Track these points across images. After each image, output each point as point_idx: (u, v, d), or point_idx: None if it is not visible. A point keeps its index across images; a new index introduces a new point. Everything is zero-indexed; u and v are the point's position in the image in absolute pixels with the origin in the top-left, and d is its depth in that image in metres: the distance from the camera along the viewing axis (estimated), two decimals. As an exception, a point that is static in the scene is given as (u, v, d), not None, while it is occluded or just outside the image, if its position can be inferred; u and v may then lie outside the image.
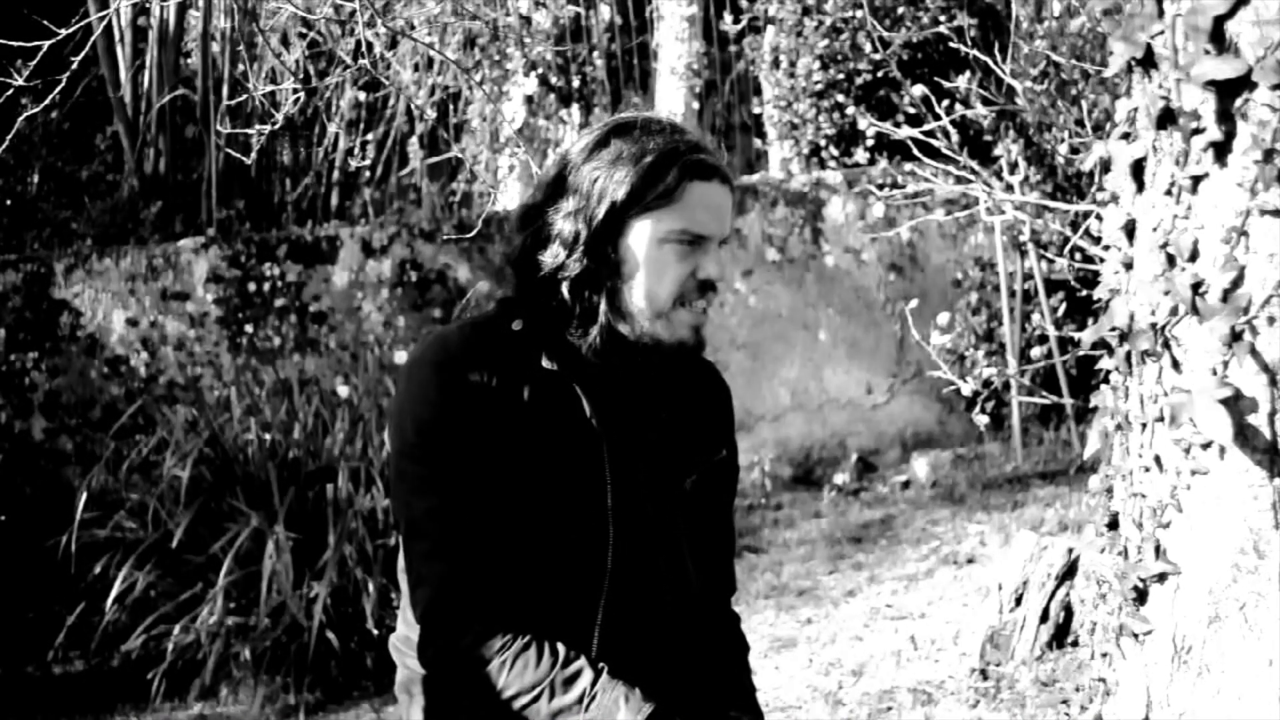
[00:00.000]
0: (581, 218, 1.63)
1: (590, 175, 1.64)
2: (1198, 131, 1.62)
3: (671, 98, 7.12)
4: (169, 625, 4.44)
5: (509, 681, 1.59)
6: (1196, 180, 1.64)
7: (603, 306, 1.64)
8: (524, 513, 1.64)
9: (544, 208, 1.67)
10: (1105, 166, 1.82)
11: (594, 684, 1.60)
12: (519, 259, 1.69)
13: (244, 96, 5.29)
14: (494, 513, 1.62)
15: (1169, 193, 1.67)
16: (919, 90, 4.74)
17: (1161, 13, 1.65)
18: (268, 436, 4.74)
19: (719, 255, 1.67)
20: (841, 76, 6.61)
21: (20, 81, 2.88)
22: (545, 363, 1.66)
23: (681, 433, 1.77)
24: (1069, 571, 3.71)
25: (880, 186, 6.02)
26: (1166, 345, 1.68)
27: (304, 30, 5.96)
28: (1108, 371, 1.83)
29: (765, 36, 6.96)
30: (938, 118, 4.30)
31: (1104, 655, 1.90)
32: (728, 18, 7.07)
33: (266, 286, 5.68)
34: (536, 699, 1.59)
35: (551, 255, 1.65)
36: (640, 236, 1.63)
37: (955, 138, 4.31)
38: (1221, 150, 1.61)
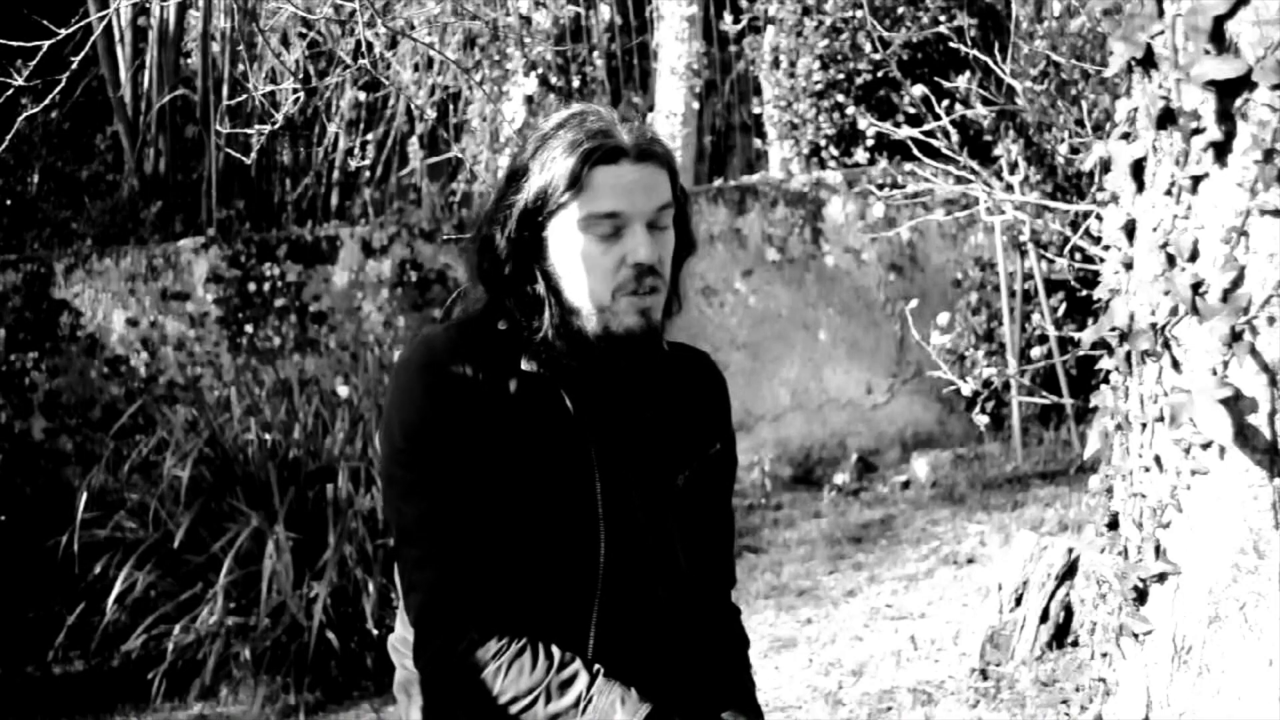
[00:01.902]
0: (509, 230, 1.65)
1: (511, 188, 1.66)
2: (1198, 131, 1.62)
3: (671, 98, 7.12)
4: (169, 625, 4.44)
5: (505, 687, 1.59)
6: (1196, 180, 1.64)
7: (549, 311, 1.64)
8: (515, 515, 1.63)
9: (483, 222, 1.70)
10: (1105, 166, 1.82)
11: (590, 686, 1.59)
12: (475, 274, 1.71)
13: (244, 96, 5.29)
14: (484, 516, 1.62)
15: (1169, 193, 1.67)
16: (919, 90, 4.74)
17: (1161, 13, 1.65)
18: (268, 436, 4.74)
19: (649, 237, 1.63)
20: (841, 76, 6.60)
21: (20, 81, 2.88)
22: (524, 365, 1.66)
23: (672, 429, 1.76)
24: (1069, 571, 3.71)
25: (880, 186, 6.01)
26: (1166, 345, 1.68)
27: (304, 30, 5.96)
28: (1108, 371, 1.83)
29: (765, 36, 6.96)
30: (938, 118, 4.30)
31: (1104, 655, 1.90)
32: (728, 18, 7.07)
33: (266, 286, 5.68)
34: (533, 704, 1.58)
35: (494, 268, 1.67)
36: (559, 233, 1.63)
37: (955, 138, 4.31)
38: (1221, 150, 1.61)
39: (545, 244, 1.64)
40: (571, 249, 1.63)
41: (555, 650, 1.61)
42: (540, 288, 1.64)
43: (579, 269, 1.62)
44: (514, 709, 1.59)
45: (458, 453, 1.61)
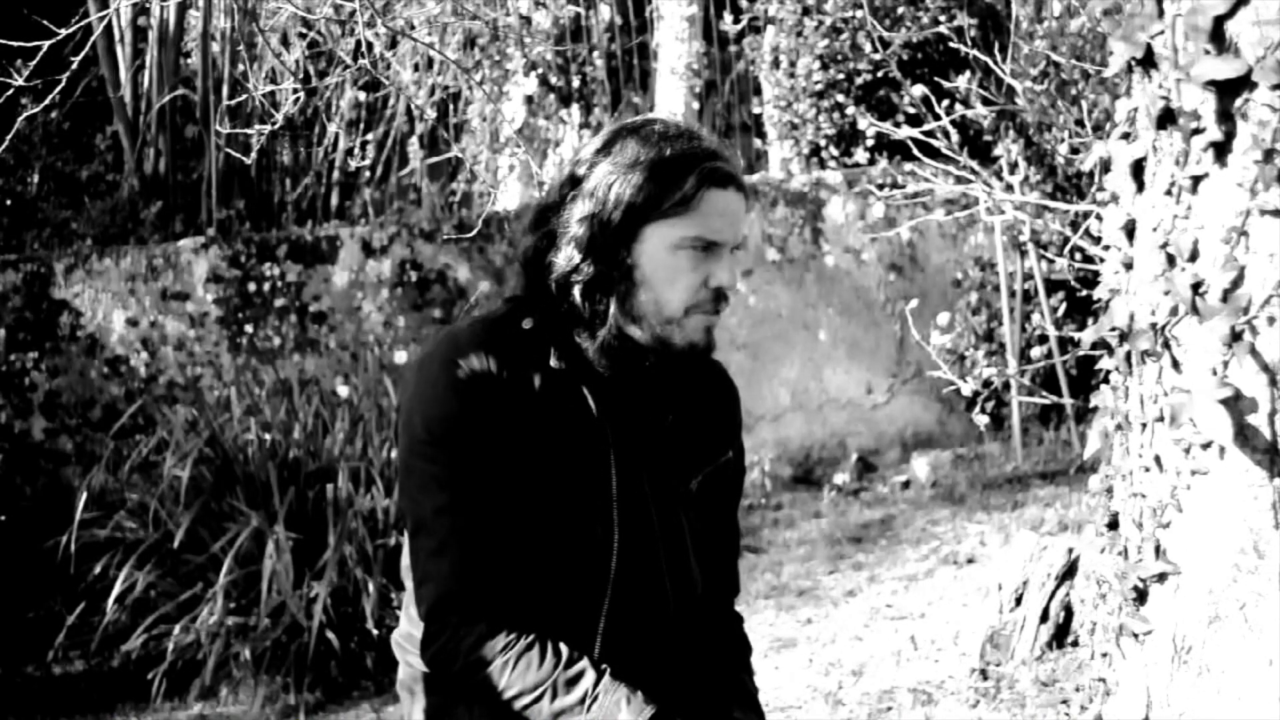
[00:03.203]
0: (596, 221, 1.62)
1: (606, 179, 1.63)
2: (1198, 131, 1.62)
3: (671, 98, 7.11)
4: (169, 625, 4.44)
5: (511, 681, 1.59)
6: (1196, 180, 1.64)
7: (613, 310, 1.64)
8: (530, 512, 1.64)
9: (557, 209, 1.67)
10: (1105, 166, 1.82)
11: (596, 685, 1.60)
12: (530, 260, 1.68)
13: (244, 96, 5.30)
14: (502, 511, 1.63)
15: (1169, 193, 1.67)
16: (919, 90, 4.74)
17: (1161, 13, 1.65)
18: (268, 436, 4.73)
19: (732, 262, 1.66)
20: (841, 76, 6.61)
21: (20, 81, 2.88)
22: (553, 362, 1.66)
23: (688, 434, 1.77)
24: (1069, 571, 3.71)
25: (880, 186, 6.02)
26: (1166, 345, 1.68)
27: (304, 30, 5.96)
28: (1108, 371, 1.83)
29: (765, 36, 6.96)
30: (938, 118, 4.30)
31: (1104, 655, 1.90)
32: (728, 18, 7.06)
33: (266, 286, 5.68)
34: (538, 699, 1.59)
35: (564, 258, 1.64)
36: (655, 242, 1.63)
37: (955, 138, 4.31)
38: (1221, 150, 1.61)
39: (632, 246, 1.63)
40: (661, 259, 1.62)
41: (563, 647, 1.62)
42: (610, 284, 1.63)
43: (663, 279, 1.63)
44: (519, 703, 1.60)
45: (479, 447, 1.61)
